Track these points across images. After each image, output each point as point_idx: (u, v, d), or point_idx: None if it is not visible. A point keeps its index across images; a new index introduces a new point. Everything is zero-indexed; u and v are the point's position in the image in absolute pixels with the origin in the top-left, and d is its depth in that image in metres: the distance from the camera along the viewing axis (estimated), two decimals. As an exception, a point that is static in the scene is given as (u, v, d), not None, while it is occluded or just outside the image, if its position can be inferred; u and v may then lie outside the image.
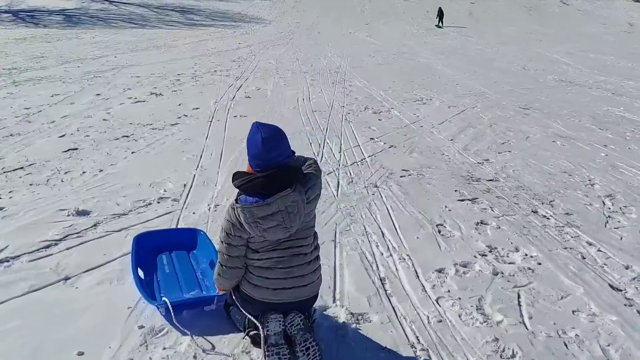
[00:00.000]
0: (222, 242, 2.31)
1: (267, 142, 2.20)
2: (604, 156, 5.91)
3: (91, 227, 3.65)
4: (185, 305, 2.70)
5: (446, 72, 13.18)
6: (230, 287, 2.42)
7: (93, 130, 6.32)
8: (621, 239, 3.70)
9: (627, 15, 35.84)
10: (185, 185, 4.60)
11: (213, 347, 2.42)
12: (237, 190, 2.29)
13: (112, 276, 3.00)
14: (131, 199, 4.20)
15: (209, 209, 4.07)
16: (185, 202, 4.20)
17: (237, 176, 2.25)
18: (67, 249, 3.32)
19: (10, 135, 5.99)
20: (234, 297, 2.45)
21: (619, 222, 4.01)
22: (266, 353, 2.22)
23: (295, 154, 2.33)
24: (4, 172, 4.73)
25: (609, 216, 4.12)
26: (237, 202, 2.22)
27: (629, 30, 30.74)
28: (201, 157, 5.48)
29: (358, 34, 24.12)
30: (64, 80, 9.64)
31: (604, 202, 4.41)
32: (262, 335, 2.25)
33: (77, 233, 3.54)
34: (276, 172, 2.16)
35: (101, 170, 4.89)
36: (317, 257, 2.41)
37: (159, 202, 4.17)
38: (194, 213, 3.98)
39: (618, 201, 4.45)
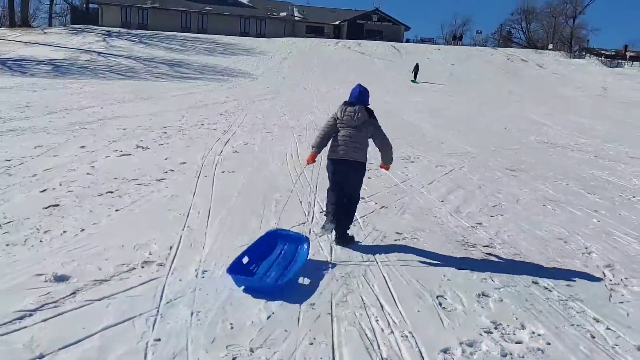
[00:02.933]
0: (324, 124, 4.70)
1: (359, 94, 4.66)
2: (597, 222, 5.87)
3: (70, 295, 3.40)
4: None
5: (430, 131, 13.34)
6: (318, 149, 4.67)
7: (76, 185, 6.11)
8: (628, 315, 3.56)
9: (601, 80, 37.23)
10: (171, 247, 4.38)
11: None
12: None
13: (92, 355, 2.74)
14: (114, 263, 3.97)
15: (196, 276, 3.85)
16: (171, 268, 3.97)
17: (343, 103, 4.66)
18: (43, 320, 3.06)
19: (-11, 189, 5.75)
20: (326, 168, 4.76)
21: (623, 295, 3.89)
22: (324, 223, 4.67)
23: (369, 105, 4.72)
24: (-20, 231, 4.47)
25: (611, 289, 4.00)
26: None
27: (603, 94, 31.87)
28: (188, 215, 5.29)
29: (343, 90, 24.51)
30: (48, 131, 9.46)
31: (604, 273, 4.30)
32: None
33: (55, 302, 3.27)
34: (355, 103, 4.61)
35: (83, 230, 4.66)
36: (361, 147, 4.55)
37: (143, 267, 3.94)
38: (180, 280, 3.75)
39: (618, 272, 4.34)
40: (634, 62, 46.31)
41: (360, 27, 52.97)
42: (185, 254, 4.27)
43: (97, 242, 4.39)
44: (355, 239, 4.79)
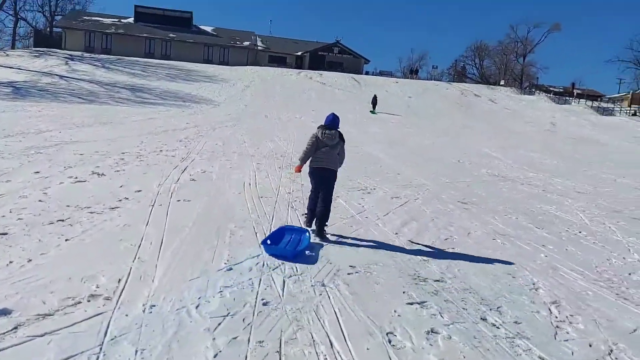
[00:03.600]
0: (307, 143, 6.10)
1: (332, 120, 6.17)
2: (544, 257, 6.06)
3: (11, 330, 3.28)
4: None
5: (387, 162, 13.58)
6: (303, 162, 6.15)
7: (27, 212, 5.92)
8: (572, 353, 3.66)
9: (550, 116, 38.87)
10: (120, 280, 4.28)
11: None
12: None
13: (30, 396, 2.65)
14: (59, 296, 3.85)
15: (143, 310, 3.76)
16: (118, 302, 3.88)
17: (320, 126, 6.17)
18: (-20, 358, 2.94)
19: None
20: (309, 174, 6.26)
21: (568, 333, 4.01)
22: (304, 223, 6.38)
23: (339, 129, 6.22)
24: None
25: (557, 326, 4.12)
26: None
27: (551, 129, 33.24)
28: (140, 246, 5.19)
29: (304, 119, 24.75)
30: (3, 156, 9.18)
31: (550, 310, 4.43)
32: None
33: (-6, 338, 3.15)
34: (330, 127, 6.12)
35: (30, 261, 4.51)
36: (335, 160, 6.17)
37: (89, 301, 3.84)
38: (126, 315, 3.66)
39: (564, 309, 4.48)
40: (580, 99, 48.74)
41: (321, 59, 53.85)
42: (134, 287, 4.18)
43: (44, 273, 4.26)
44: (310, 270, 4.90)
